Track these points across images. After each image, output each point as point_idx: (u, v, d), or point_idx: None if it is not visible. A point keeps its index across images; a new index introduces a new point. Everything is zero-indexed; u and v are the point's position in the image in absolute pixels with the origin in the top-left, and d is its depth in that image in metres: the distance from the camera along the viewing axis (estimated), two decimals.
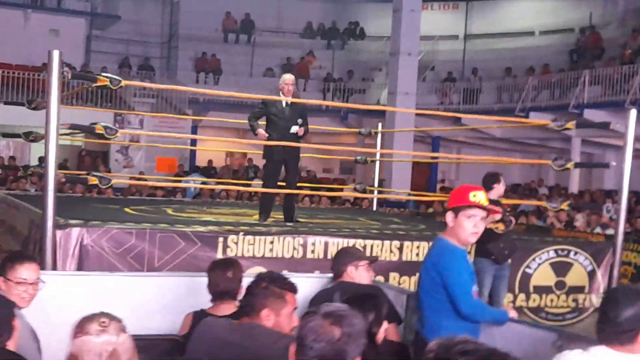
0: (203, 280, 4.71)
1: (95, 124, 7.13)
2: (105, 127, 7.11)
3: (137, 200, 12.16)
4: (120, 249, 6.82)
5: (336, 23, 32.00)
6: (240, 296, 4.24)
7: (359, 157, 12.63)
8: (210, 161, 25.12)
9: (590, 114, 21.09)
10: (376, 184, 13.06)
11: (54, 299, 4.41)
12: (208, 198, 17.09)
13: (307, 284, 5.11)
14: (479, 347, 2.03)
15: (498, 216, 7.83)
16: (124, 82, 7.24)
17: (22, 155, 25.64)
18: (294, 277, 4.89)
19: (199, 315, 4.29)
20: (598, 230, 12.85)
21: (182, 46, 29.05)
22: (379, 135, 12.95)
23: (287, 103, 9.09)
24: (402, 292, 5.38)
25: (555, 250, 8.30)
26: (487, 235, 7.87)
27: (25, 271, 4.05)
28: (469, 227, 4.22)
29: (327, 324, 2.46)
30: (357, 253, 5.10)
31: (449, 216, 4.29)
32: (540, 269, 8.25)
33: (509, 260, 7.99)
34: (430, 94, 27.21)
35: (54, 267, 6.40)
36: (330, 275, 5.26)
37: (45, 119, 6.57)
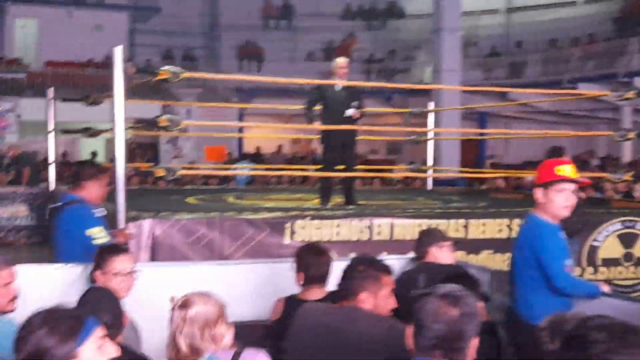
0: (281, 266, 4.77)
1: (159, 116, 7.22)
2: (169, 119, 7.19)
3: (194, 190, 12.24)
4: (191, 239, 6.92)
5: (375, 3, 31.88)
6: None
7: (412, 137, 12.59)
8: (258, 148, 25.23)
9: None
10: (429, 163, 13.00)
11: (145, 289, 4.49)
12: (260, 185, 17.22)
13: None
14: (613, 322, 2.05)
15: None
16: (183, 75, 7.30)
17: (72, 151, 26.06)
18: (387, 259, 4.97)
19: (291, 301, 4.34)
20: None
21: (224, 35, 29.17)
22: (432, 114, 12.88)
23: (341, 86, 9.10)
24: (484, 271, 5.38)
25: (622, 222, 8.22)
26: None
27: (121, 263, 4.16)
28: (560, 201, 4.22)
29: (444, 304, 2.50)
30: (441, 234, 5.11)
31: (539, 192, 4.29)
32: (607, 241, 8.18)
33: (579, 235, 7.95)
34: (474, 69, 26.95)
35: None
36: (410, 256, 5.28)
37: (113, 114, 6.69)
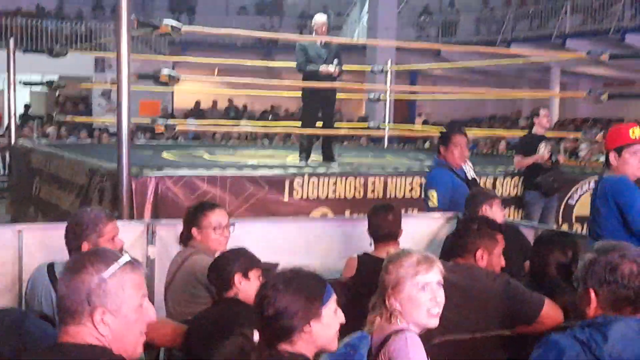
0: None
1: (158, 71, 7.16)
2: (169, 75, 7.15)
3: (151, 145, 12.14)
4: (194, 195, 6.92)
5: None
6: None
7: (372, 95, 12.76)
8: (198, 102, 24.99)
9: (572, 44, 21.36)
10: (387, 121, 13.19)
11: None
12: (206, 139, 17.19)
13: (424, 224, 5.29)
14: None
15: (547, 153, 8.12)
16: (183, 29, 7.26)
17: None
18: (415, 217, 5.12)
19: (364, 258, 4.45)
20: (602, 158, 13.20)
21: None
22: (389, 73, 13.04)
23: (322, 44, 9.16)
24: (532, 228, 5.53)
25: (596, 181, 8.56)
26: (537, 169, 8.18)
27: (217, 217, 4.17)
28: (635, 162, 4.42)
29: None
30: (490, 192, 5.27)
31: (612, 156, 4.48)
32: (581, 199, 8.52)
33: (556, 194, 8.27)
34: (407, 28, 27.17)
35: (131, 216, 6.49)
36: (450, 214, 5.44)
37: (117, 68, 6.59)
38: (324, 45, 9.15)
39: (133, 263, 2.19)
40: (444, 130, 6.57)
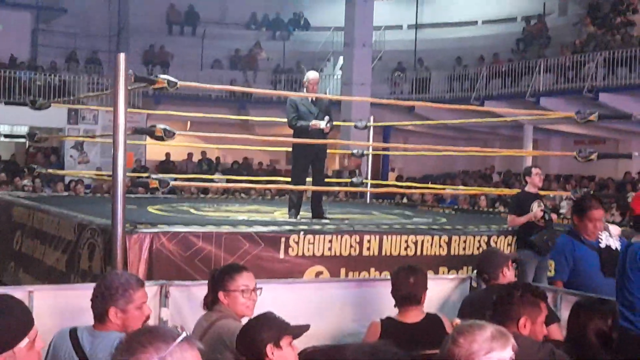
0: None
1: (154, 126, 7.06)
2: (164, 130, 7.04)
3: (138, 199, 11.94)
4: (188, 253, 6.76)
5: (280, 14, 32.02)
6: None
7: (355, 151, 12.74)
8: (167, 155, 24.86)
9: (546, 102, 21.67)
10: (369, 177, 13.19)
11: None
12: (181, 193, 17.03)
13: (438, 285, 5.19)
14: None
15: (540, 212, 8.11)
16: (180, 84, 7.17)
17: None
18: (434, 280, 5.01)
19: (387, 323, 4.33)
20: None
21: (130, 39, 28.62)
22: (371, 128, 13.05)
23: (312, 100, 9.14)
24: (552, 291, 5.42)
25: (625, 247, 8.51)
26: (530, 228, 8.15)
27: (245, 280, 4.05)
28: None
29: None
30: (505, 253, 5.18)
31: None
32: None
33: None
34: (381, 84, 27.40)
35: None
36: (462, 276, 5.34)
37: (113, 122, 6.48)
38: (314, 102, 9.13)
39: (190, 340, 2.08)
40: (579, 200, 6.38)
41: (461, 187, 17.80)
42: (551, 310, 4.79)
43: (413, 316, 4.32)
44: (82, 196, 14.28)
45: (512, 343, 2.79)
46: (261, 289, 4.12)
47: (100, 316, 3.47)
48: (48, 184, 17.12)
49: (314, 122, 8.84)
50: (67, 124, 23.47)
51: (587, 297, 4.56)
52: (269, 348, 3.28)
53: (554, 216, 8.39)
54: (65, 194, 14.80)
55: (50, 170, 13.48)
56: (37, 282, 7.83)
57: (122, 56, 6.63)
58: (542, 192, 9.41)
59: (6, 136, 10.83)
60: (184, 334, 2.08)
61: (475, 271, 5.48)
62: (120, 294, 3.48)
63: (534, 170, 8.59)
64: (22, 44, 26.07)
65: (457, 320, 4.41)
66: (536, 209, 8.16)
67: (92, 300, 3.52)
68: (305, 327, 3.44)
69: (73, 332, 3.42)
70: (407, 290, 4.38)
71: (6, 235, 9.91)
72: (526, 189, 8.52)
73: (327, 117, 9.01)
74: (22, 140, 13.59)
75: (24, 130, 20.47)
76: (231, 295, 4.00)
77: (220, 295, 3.98)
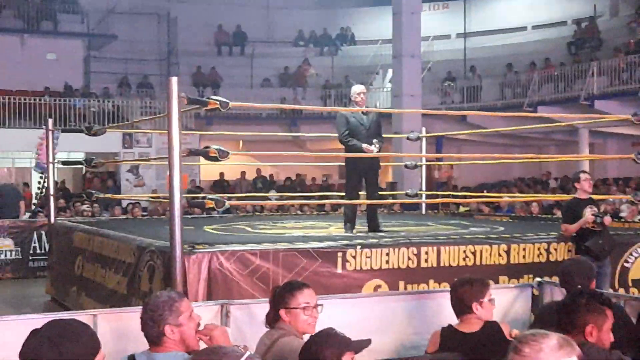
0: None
1: (208, 147, 7.11)
2: (218, 150, 7.09)
3: (194, 219, 12.05)
4: (246, 271, 6.79)
5: (327, 30, 32.14)
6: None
7: (408, 163, 12.69)
8: (221, 174, 25.06)
9: (601, 105, 21.36)
10: (423, 188, 13.12)
11: None
12: (237, 212, 17.12)
13: (498, 294, 5.12)
14: None
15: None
16: (231, 104, 7.22)
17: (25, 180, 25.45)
18: (494, 289, 4.95)
19: (447, 332, 4.32)
20: None
21: (180, 62, 29.01)
22: (424, 140, 12.98)
23: (363, 113, 9.14)
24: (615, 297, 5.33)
25: None
26: (586, 234, 8.01)
27: (306, 297, 4.06)
28: None
29: None
30: (588, 263, 5.09)
31: None
32: (637, 262, 8.33)
33: (608, 257, 8.07)
34: (431, 94, 27.29)
35: (185, 294, 6.35)
36: (522, 285, 5.27)
37: (168, 145, 6.56)
38: (365, 115, 9.13)
39: (253, 358, 2.09)
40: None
41: (517, 194, 17.56)
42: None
43: (471, 325, 4.30)
44: (140, 219, 14.45)
45: (578, 352, 2.73)
46: (322, 305, 4.11)
47: (157, 338, 3.49)
48: (106, 209, 17.38)
49: (366, 146, 8.82)
50: (122, 149, 23.84)
51: None
52: None
53: (607, 220, 8.20)
54: (123, 217, 15.02)
55: (107, 195, 13.72)
56: (99, 305, 7.93)
57: (174, 80, 6.73)
58: (600, 197, 9.26)
59: (64, 163, 11.04)
60: (247, 353, 2.08)
61: (537, 279, 5.41)
62: (168, 311, 3.51)
63: (582, 176, 8.45)
64: (75, 72, 26.58)
65: (516, 331, 4.36)
66: (588, 214, 8.02)
67: (143, 326, 3.55)
68: (367, 342, 3.42)
69: (131, 359, 3.45)
70: (456, 299, 4.40)
71: (67, 260, 10.08)
72: (576, 195, 8.38)
73: (377, 141, 8.95)
74: (79, 166, 13.87)
75: (80, 156, 20.88)
76: (292, 312, 4.00)
77: (282, 312, 3.98)
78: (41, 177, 17.50)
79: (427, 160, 14.37)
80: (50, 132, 10.81)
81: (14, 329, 4.53)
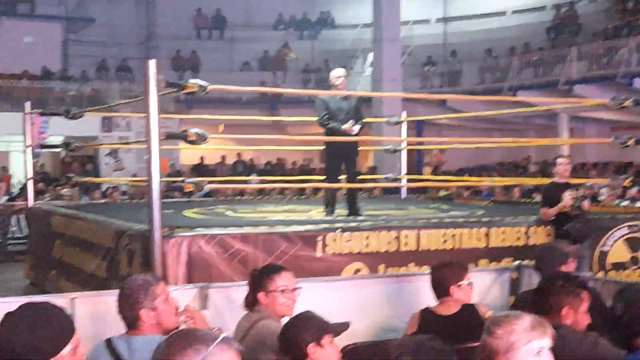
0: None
1: (186, 131, 7.07)
2: (197, 133, 7.06)
3: (174, 203, 11.96)
4: (226, 255, 6.78)
5: (307, 14, 32.04)
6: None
7: (388, 147, 12.70)
8: (202, 158, 25.00)
9: (580, 90, 21.45)
10: (403, 172, 13.13)
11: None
12: (217, 196, 17.07)
13: (478, 277, 5.14)
14: None
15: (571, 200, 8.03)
16: (210, 87, 7.20)
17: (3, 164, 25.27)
18: (473, 272, 4.97)
19: (425, 314, 4.35)
20: (626, 203, 13.12)
21: (159, 45, 28.82)
22: (404, 124, 12.98)
23: (343, 97, 9.12)
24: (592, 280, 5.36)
25: (629, 227, 8.45)
26: (565, 217, 8.07)
27: (284, 280, 4.05)
28: None
29: None
30: (565, 248, 5.12)
31: None
32: (615, 246, 8.39)
33: (587, 241, 8.13)
34: (412, 78, 27.28)
35: (164, 277, 6.33)
36: (502, 268, 5.30)
37: (146, 129, 6.52)
38: (344, 99, 9.11)
39: (228, 341, 2.08)
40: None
41: (497, 178, 17.62)
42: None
43: (448, 308, 4.37)
44: (119, 203, 14.37)
45: (551, 332, 2.75)
46: (301, 288, 4.11)
47: (133, 322, 3.49)
48: (86, 193, 17.29)
49: (345, 126, 8.80)
50: (101, 132, 23.68)
51: (629, 284, 4.48)
52: (311, 347, 3.27)
53: (585, 203, 8.25)
54: (102, 201, 14.94)
55: (86, 179, 13.63)
56: (79, 289, 7.88)
57: (152, 63, 6.68)
58: (579, 181, 9.30)
59: (42, 146, 10.98)
60: (222, 335, 2.07)
61: (516, 262, 5.45)
62: (143, 295, 3.51)
63: (559, 161, 8.58)
64: (53, 55, 26.31)
65: (490, 313, 4.40)
66: (567, 198, 8.08)
67: (119, 310, 3.55)
68: (346, 325, 3.44)
69: (108, 343, 3.44)
70: (435, 282, 4.45)
71: (46, 244, 10.02)
72: (555, 180, 8.46)
73: (355, 124, 8.92)
74: (57, 150, 13.79)
75: (58, 140, 20.69)
76: (271, 295, 3.99)
77: (260, 296, 3.98)
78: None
79: (407, 144, 14.43)
80: (27, 116, 10.72)
81: None
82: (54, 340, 2.62)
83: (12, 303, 4.65)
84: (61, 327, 2.67)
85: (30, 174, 10.71)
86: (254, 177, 20.95)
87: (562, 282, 3.59)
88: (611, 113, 22.58)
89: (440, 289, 4.46)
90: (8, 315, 2.68)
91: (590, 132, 26.35)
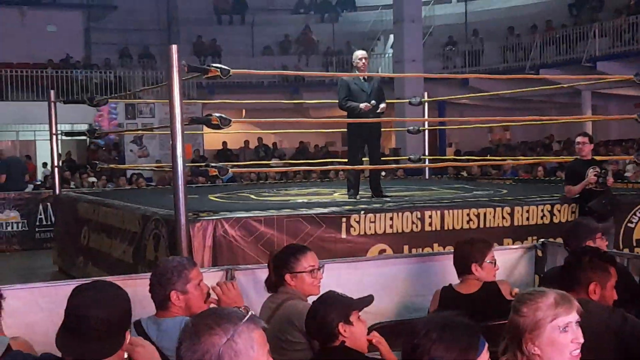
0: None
1: (210, 115, 7.11)
2: (220, 118, 7.09)
3: (199, 188, 12.06)
4: (251, 237, 6.83)
5: None
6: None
7: (411, 128, 12.66)
8: (224, 144, 25.07)
9: (603, 67, 21.26)
10: (426, 153, 13.12)
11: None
12: (241, 180, 17.14)
13: (502, 255, 5.15)
14: None
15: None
16: (232, 72, 7.23)
17: (29, 152, 25.53)
18: (498, 250, 4.97)
19: (446, 291, 4.39)
20: None
21: (180, 31, 28.88)
22: (426, 104, 12.97)
23: (364, 78, 9.10)
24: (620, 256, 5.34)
25: None
26: (588, 194, 8.05)
27: (310, 260, 4.08)
28: None
29: None
30: (593, 224, 5.10)
31: None
32: None
33: (612, 217, 8.10)
34: (433, 59, 27.15)
35: None
36: (526, 246, 5.30)
37: (170, 114, 6.57)
38: (366, 80, 9.09)
39: (255, 319, 2.11)
40: None
41: (521, 157, 17.55)
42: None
43: (469, 286, 4.38)
44: (144, 189, 14.49)
45: (577, 306, 2.76)
46: (323, 266, 4.14)
47: (162, 303, 3.53)
48: (111, 180, 17.44)
49: (362, 105, 8.77)
50: (125, 119, 23.84)
51: None
52: (341, 326, 3.31)
53: (610, 180, 8.23)
54: (128, 187, 15.06)
55: (111, 166, 13.77)
56: (105, 274, 7.98)
57: (174, 48, 6.72)
58: (603, 158, 9.25)
59: (67, 134, 11.05)
60: (250, 314, 2.10)
61: (541, 240, 5.44)
62: (176, 277, 3.53)
63: (577, 139, 8.51)
64: (75, 43, 26.49)
65: (516, 290, 4.41)
66: (591, 174, 8.05)
67: (150, 289, 3.59)
68: (370, 298, 3.47)
69: (137, 324, 3.48)
70: (457, 260, 4.48)
71: (73, 231, 10.13)
72: (579, 157, 8.43)
73: (374, 102, 8.89)
74: (82, 137, 13.93)
75: (83, 128, 20.88)
76: (299, 276, 4.00)
77: (287, 277, 3.99)
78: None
79: (429, 125, 14.41)
80: (52, 104, 10.79)
81: (22, 298, 4.59)
82: (123, 315, 2.80)
83: (41, 287, 4.76)
84: (126, 305, 2.85)
85: (56, 162, 10.78)
86: (276, 161, 21.00)
87: (590, 258, 3.58)
88: (634, 89, 22.38)
89: (462, 267, 4.47)
90: (78, 289, 2.84)
91: (613, 109, 26.12)
